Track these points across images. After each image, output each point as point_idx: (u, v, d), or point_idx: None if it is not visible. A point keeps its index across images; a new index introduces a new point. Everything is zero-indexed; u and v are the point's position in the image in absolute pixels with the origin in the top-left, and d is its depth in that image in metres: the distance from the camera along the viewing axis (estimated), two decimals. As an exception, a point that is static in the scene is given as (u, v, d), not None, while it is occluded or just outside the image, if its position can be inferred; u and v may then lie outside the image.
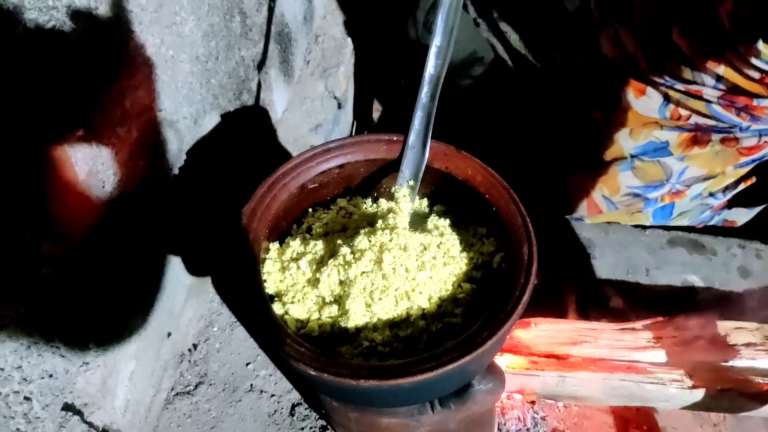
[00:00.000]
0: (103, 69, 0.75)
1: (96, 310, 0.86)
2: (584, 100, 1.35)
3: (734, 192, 1.34)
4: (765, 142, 1.15)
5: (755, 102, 1.06)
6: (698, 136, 1.16)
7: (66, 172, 0.71)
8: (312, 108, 1.58)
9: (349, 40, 1.75)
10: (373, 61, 1.88)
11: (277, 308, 0.75)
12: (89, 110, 0.73)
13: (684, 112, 1.15)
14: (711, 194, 1.34)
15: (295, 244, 0.81)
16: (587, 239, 1.40)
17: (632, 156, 1.25)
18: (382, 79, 1.95)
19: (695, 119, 1.14)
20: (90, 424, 0.88)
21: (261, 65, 1.29)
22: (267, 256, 0.80)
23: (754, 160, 1.23)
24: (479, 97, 1.89)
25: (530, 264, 0.72)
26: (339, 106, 1.70)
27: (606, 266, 1.35)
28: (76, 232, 0.77)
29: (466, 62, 1.93)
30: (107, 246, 0.84)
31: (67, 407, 0.82)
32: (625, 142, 1.25)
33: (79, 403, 0.85)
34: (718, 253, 1.38)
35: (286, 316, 0.75)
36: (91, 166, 0.76)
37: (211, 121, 1.09)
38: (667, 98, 1.15)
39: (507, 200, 0.79)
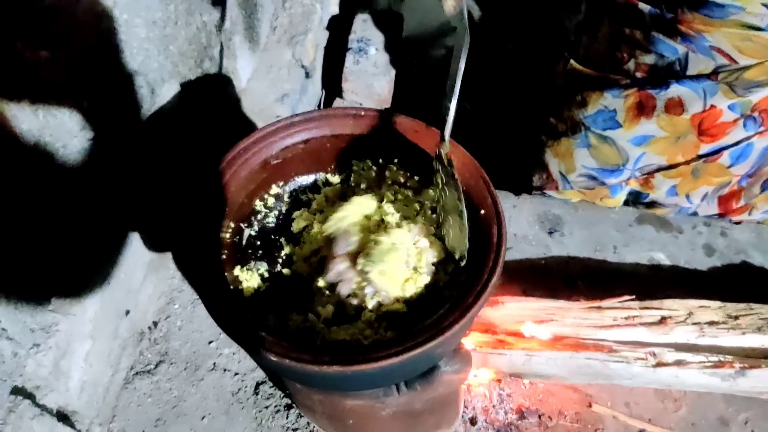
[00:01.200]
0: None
1: (46, 288, 0.82)
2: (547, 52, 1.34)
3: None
4: (712, 106, 1.14)
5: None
6: (643, 101, 1.15)
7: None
8: (278, 77, 1.52)
9: (318, 6, 1.68)
10: (343, 29, 1.82)
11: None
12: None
13: (625, 54, 1.14)
14: (687, 197, 1.33)
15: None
16: (556, 216, 1.40)
17: (585, 128, 1.24)
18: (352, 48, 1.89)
19: (634, 61, 1.13)
20: (43, 407, 0.84)
21: (224, 31, 1.23)
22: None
23: (716, 150, 1.22)
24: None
25: (499, 245, 0.70)
26: (307, 75, 1.64)
27: (574, 243, 1.35)
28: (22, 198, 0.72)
29: (439, 32, 1.88)
30: (57, 216, 0.80)
31: (17, 391, 0.78)
32: (577, 109, 1.25)
33: (30, 386, 0.82)
34: (684, 231, 1.39)
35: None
36: (41, 132, 0.71)
37: (170, 90, 1.04)
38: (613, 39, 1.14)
39: (477, 179, 0.77)
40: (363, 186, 0.86)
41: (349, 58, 1.72)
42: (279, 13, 1.61)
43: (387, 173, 0.86)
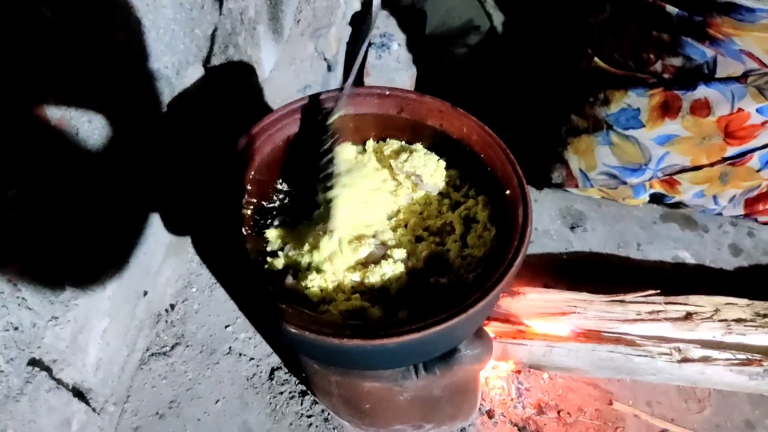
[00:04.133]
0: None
1: (67, 262, 0.81)
2: (572, 50, 1.33)
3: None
4: (739, 109, 1.11)
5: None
6: (668, 101, 1.13)
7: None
8: (301, 69, 1.52)
9: (342, 0, 1.69)
10: (367, 25, 1.82)
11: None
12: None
13: (652, 55, 1.12)
14: (714, 199, 1.30)
15: None
16: (579, 211, 1.38)
17: (608, 126, 1.22)
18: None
19: (661, 63, 1.11)
20: (59, 381, 0.84)
21: (249, 20, 1.23)
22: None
23: (742, 153, 1.19)
24: (474, 67, 1.85)
25: (525, 226, 0.69)
26: (329, 68, 1.64)
27: (597, 239, 1.33)
28: (45, 175, 0.72)
29: (461, 30, 1.87)
30: (80, 195, 0.80)
31: (34, 362, 0.78)
32: (599, 107, 1.23)
33: (47, 358, 0.82)
34: (709, 230, 1.36)
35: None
36: (63, 113, 0.71)
37: (194, 73, 1.04)
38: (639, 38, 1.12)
39: (503, 161, 0.76)
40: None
41: (372, 53, 1.72)
42: (303, 6, 1.62)
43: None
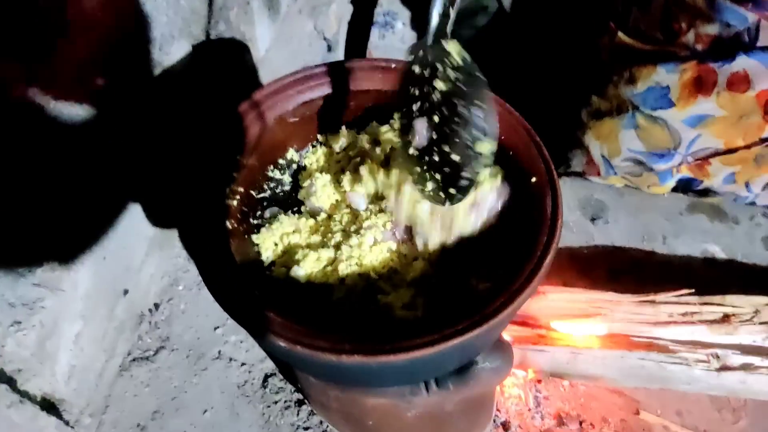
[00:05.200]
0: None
1: (30, 258, 0.72)
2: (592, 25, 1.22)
3: None
4: None
5: None
6: (702, 76, 1.03)
7: None
8: (299, 48, 1.42)
9: (343, -25, 1.58)
10: (369, 3, 1.72)
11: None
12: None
13: (683, 24, 1.02)
14: (747, 185, 1.20)
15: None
16: (599, 201, 1.28)
17: (633, 107, 1.12)
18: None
19: (694, 32, 1.00)
20: (24, 394, 0.75)
21: (242, -8, 1.13)
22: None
23: None
24: (482, 49, 1.75)
25: (555, 218, 0.59)
26: (329, 48, 1.54)
27: (619, 232, 1.23)
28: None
29: (469, 11, 1.78)
30: (46, 180, 0.70)
31: (-6, 374, 0.69)
32: (624, 86, 1.13)
33: (9, 369, 0.73)
34: (740, 222, 1.26)
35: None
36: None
37: (179, 50, 0.94)
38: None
39: (527, 143, 0.66)
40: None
41: (375, 33, 1.63)
42: (301, -21, 1.51)
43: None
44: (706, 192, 1.24)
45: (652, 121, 1.11)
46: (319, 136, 0.77)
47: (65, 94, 0.69)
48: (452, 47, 0.54)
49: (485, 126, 0.54)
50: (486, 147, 0.54)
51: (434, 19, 0.54)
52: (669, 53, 1.06)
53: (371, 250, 0.62)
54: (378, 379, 0.59)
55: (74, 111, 0.72)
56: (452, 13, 0.53)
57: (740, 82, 1.02)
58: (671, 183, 1.23)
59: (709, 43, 1.01)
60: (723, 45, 1.01)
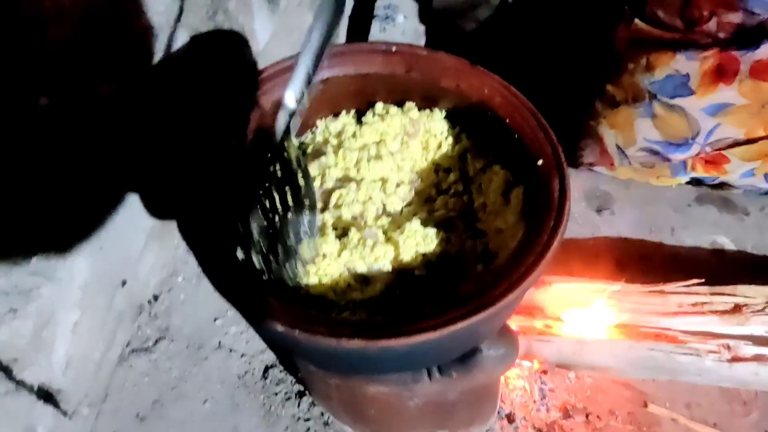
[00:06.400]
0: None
1: (26, 246, 0.71)
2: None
3: None
4: None
5: None
6: (723, 64, 1.00)
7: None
8: (299, 41, 1.39)
9: (346, -34, 1.56)
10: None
11: None
12: None
13: (705, 12, 0.99)
14: (766, 176, 1.17)
15: None
16: (605, 192, 1.25)
17: (651, 95, 1.09)
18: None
19: (716, 20, 0.98)
20: (19, 383, 0.74)
21: (241, -18, 1.11)
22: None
23: None
24: (484, 43, 1.73)
25: (562, 201, 0.57)
26: (330, 41, 1.52)
27: (626, 223, 1.21)
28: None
29: (470, 4, 1.76)
30: (44, 169, 0.69)
31: (-12, 362, 0.68)
32: (641, 74, 1.10)
33: (5, 357, 0.72)
34: (750, 213, 1.24)
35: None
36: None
37: (177, 39, 0.92)
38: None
39: (533, 126, 0.64)
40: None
41: (375, 26, 1.61)
42: (302, -29, 1.50)
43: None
44: (721, 185, 1.22)
45: (670, 110, 1.09)
46: (318, 122, 0.75)
47: (59, 82, 0.68)
48: (292, 152, 0.58)
49: (308, 230, 0.59)
50: (305, 250, 0.58)
51: (281, 119, 0.56)
52: (689, 41, 1.04)
53: None
54: (379, 365, 0.57)
55: (70, 100, 0.71)
56: (305, 99, 0.56)
57: (764, 70, 0.99)
58: (684, 178, 1.21)
59: (732, 31, 0.99)
60: (747, 33, 0.98)
